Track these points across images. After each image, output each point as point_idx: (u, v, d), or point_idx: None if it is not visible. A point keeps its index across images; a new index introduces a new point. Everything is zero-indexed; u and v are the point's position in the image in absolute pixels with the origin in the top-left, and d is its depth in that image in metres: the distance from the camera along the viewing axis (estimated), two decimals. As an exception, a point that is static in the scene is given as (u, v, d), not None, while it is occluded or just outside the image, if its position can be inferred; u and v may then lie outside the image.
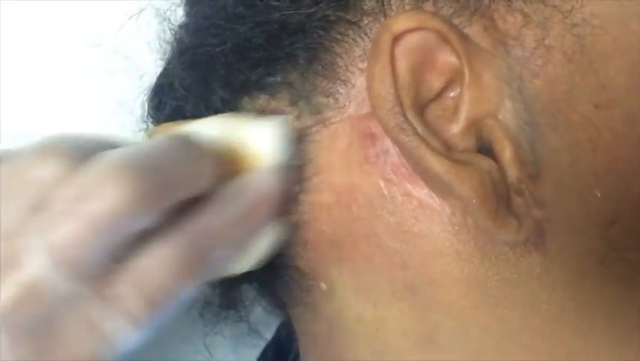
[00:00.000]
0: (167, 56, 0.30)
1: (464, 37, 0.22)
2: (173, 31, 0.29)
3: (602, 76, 0.22)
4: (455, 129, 0.23)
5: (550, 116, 0.23)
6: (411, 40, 0.22)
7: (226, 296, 0.32)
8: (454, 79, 0.23)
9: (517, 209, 0.22)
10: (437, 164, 0.22)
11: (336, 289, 0.25)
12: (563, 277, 0.23)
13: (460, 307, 0.23)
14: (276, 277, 0.28)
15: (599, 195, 0.22)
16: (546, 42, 0.23)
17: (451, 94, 0.23)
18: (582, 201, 0.23)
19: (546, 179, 0.22)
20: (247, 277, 0.30)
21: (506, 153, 0.22)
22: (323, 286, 0.26)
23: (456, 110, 0.23)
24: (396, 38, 0.22)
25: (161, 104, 0.29)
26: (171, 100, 0.28)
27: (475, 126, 0.23)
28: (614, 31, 0.23)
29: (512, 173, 0.22)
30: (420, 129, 0.22)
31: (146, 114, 0.31)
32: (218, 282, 0.32)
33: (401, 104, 0.22)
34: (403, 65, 0.22)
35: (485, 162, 0.22)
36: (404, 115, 0.22)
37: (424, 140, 0.22)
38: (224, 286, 0.32)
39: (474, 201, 0.21)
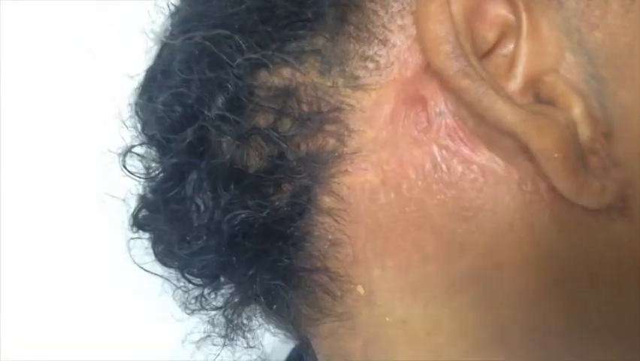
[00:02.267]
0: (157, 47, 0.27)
1: None
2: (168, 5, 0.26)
3: None
4: (512, 87, 0.20)
5: (616, 70, 0.20)
6: None
7: (231, 323, 0.27)
8: (506, 33, 0.20)
9: (594, 171, 0.19)
10: (511, 112, 0.18)
11: (376, 290, 0.22)
12: None
13: (535, 296, 0.20)
14: (297, 288, 0.23)
15: None
16: None
17: (503, 51, 0.20)
18: None
19: (620, 137, 0.20)
20: (256, 298, 0.26)
21: (575, 110, 0.19)
22: (360, 289, 0.22)
23: (511, 66, 0.20)
24: None
25: (152, 98, 0.25)
26: (167, 89, 0.24)
27: (534, 83, 0.20)
28: None
29: (585, 131, 0.19)
30: (485, 76, 0.19)
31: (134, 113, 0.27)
32: (222, 307, 0.27)
33: (462, 47, 0.19)
34: (457, 8, 0.19)
35: (560, 114, 0.19)
36: (467, 59, 0.19)
37: (493, 86, 0.19)
38: (227, 312, 0.27)
39: (556, 155, 0.18)
